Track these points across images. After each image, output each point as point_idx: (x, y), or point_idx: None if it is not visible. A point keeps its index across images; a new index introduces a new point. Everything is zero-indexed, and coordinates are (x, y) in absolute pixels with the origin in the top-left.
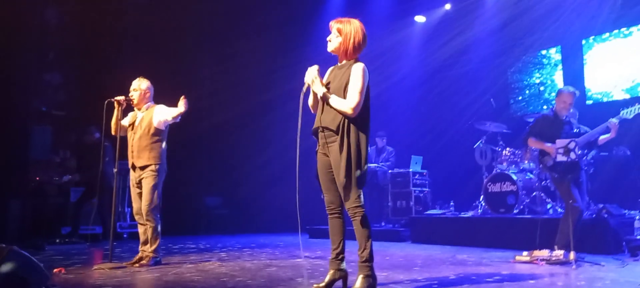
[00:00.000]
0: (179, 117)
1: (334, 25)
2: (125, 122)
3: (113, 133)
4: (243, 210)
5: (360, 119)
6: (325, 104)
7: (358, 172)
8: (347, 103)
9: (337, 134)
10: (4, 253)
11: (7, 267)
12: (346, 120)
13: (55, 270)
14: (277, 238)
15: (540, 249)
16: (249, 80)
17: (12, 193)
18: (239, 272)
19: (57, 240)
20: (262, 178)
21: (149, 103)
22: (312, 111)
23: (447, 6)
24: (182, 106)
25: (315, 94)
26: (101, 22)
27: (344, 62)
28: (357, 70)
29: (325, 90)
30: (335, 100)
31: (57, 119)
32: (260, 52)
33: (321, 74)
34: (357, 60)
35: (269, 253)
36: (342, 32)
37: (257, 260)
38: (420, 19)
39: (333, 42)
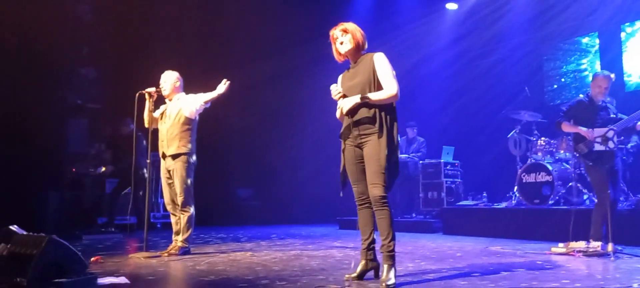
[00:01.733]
0: (210, 103)
1: (335, 31)
2: (157, 113)
3: (146, 125)
4: (274, 202)
5: (391, 107)
6: (349, 96)
7: (393, 163)
8: (389, 90)
9: (373, 125)
10: (44, 242)
11: (47, 255)
12: (382, 111)
13: (92, 258)
14: (308, 229)
15: (576, 241)
16: (281, 72)
17: (51, 185)
18: (270, 262)
19: (93, 230)
20: (293, 169)
21: (180, 93)
22: (341, 120)
23: None
24: (221, 88)
25: (340, 109)
26: (133, 16)
27: (359, 57)
28: (381, 59)
29: (358, 97)
30: (376, 95)
31: (91, 112)
32: (293, 44)
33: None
34: (371, 52)
35: (300, 243)
36: (348, 30)
37: (288, 250)
38: (451, 6)
39: (346, 43)
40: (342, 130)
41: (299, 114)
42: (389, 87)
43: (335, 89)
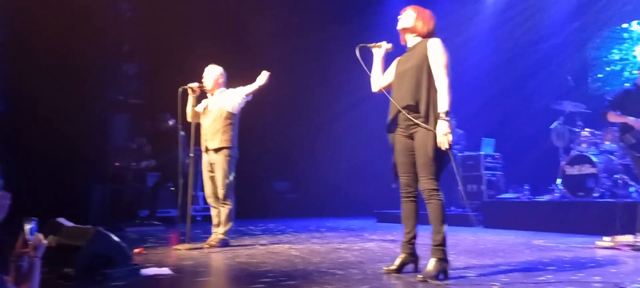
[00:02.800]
0: (251, 96)
1: (409, 8)
2: (200, 108)
3: (188, 120)
4: (311, 195)
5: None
6: (399, 84)
7: (445, 152)
8: (443, 85)
9: (420, 111)
10: (90, 234)
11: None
12: (429, 97)
13: (135, 250)
14: (346, 222)
15: (623, 234)
16: (318, 66)
17: (95, 179)
18: (308, 255)
19: (136, 222)
20: (330, 162)
21: (222, 88)
22: (375, 90)
23: None
24: (262, 79)
25: (382, 70)
26: (173, 12)
27: (415, 42)
28: (435, 46)
29: (444, 125)
30: (442, 102)
31: (133, 107)
32: (330, 37)
33: (386, 65)
34: (427, 38)
35: (337, 236)
36: (414, 12)
37: (326, 243)
38: None
39: (405, 18)
40: (389, 121)
41: (337, 106)
42: (440, 82)
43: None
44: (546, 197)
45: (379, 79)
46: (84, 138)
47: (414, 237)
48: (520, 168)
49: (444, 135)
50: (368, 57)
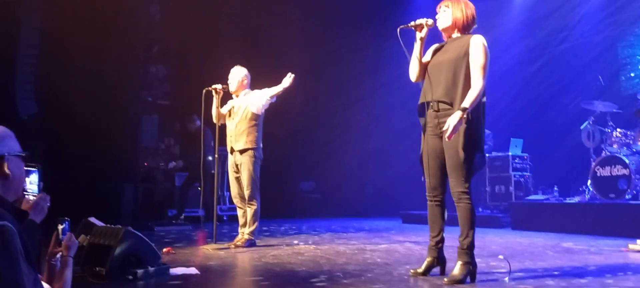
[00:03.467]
0: (276, 97)
1: (442, 3)
2: (224, 110)
3: (214, 121)
4: (336, 195)
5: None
6: (434, 74)
7: (477, 154)
8: (475, 87)
9: (453, 110)
10: (121, 233)
11: (124, 246)
12: (465, 94)
13: (164, 249)
14: (371, 223)
15: None
16: (344, 66)
17: (126, 178)
18: (334, 256)
19: (164, 222)
20: (355, 163)
21: (246, 90)
22: (414, 80)
23: None
24: (286, 81)
25: (421, 60)
26: (201, 15)
27: (457, 35)
28: (477, 44)
29: (458, 114)
30: (469, 101)
31: (161, 108)
32: (357, 39)
33: (424, 51)
34: (471, 34)
35: (363, 237)
36: (452, 7)
37: (352, 244)
38: None
39: (444, 18)
40: (419, 102)
41: (362, 106)
42: (475, 82)
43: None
44: (576, 199)
45: (419, 65)
46: (115, 138)
47: (441, 241)
48: (549, 170)
49: (452, 124)
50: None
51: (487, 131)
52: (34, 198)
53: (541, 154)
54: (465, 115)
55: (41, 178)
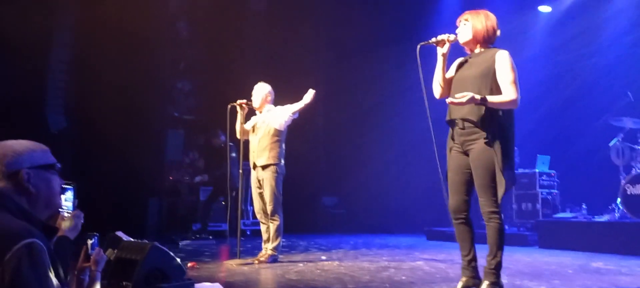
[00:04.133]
0: (297, 113)
1: (461, 17)
2: (248, 126)
3: (238, 137)
4: (359, 210)
5: (506, 111)
6: (458, 90)
7: (508, 172)
8: (508, 95)
9: (481, 128)
10: (147, 248)
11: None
12: (493, 111)
13: (189, 264)
14: (394, 239)
15: None
16: (366, 81)
17: (151, 192)
18: (358, 273)
19: (188, 236)
20: (378, 178)
21: (270, 106)
22: (438, 96)
23: None
24: (308, 97)
25: (444, 76)
26: (225, 33)
27: (479, 50)
28: (504, 58)
29: (477, 97)
30: (495, 98)
31: (186, 123)
32: (379, 53)
33: (447, 66)
34: (497, 48)
35: (386, 254)
36: (472, 20)
37: (376, 261)
38: (544, 8)
39: (465, 32)
40: (448, 118)
41: (385, 121)
42: (508, 92)
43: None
44: (605, 217)
45: (443, 82)
46: (141, 152)
47: (473, 259)
48: (577, 187)
49: (468, 97)
50: (430, 59)
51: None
52: (69, 215)
53: (569, 172)
54: (479, 100)
55: (76, 196)
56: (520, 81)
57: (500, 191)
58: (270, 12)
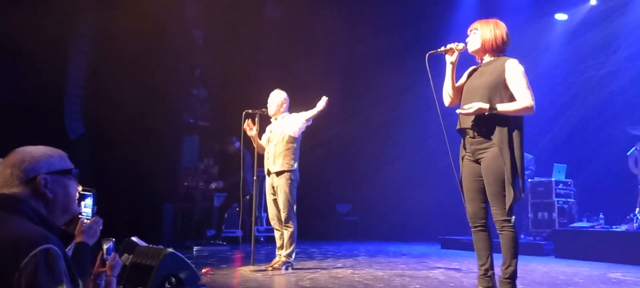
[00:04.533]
0: (311, 120)
1: (471, 26)
2: (264, 137)
3: (258, 152)
4: (373, 218)
5: (516, 120)
6: (468, 99)
7: (518, 181)
8: (524, 101)
9: (491, 138)
10: (162, 254)
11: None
12: (502, 120)
13: (203, 270)
14: (408, 247)
15: None
16: (381, 88)
17: (167, 198)
18: (371, 281)
19: (202, 242)
20: (392, 185)
21: (285, 113)
22: (447, 104)
23: (593, 1)
24: (321, 104)
25: (454, 85)
26: (241, 41)
27: (489, 59)
28: (514, 66)
29: (485, 106)
30: (505, 107)
31: (201, 129)
32: (393, 59)
33: (458, 75)
34: (507, 57)
35: (400, 262)
36: (481, 29)
37: (389, 269)
38: (561, 16)
39: (473, 40)
40: (458, 128)
41: (399, 128)
42: (523, 98)
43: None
44: (623, 227)
45: (452, 90)
46: (157, 158)
47: (490, 268)
48: (594, 196)
49: (476, 107)
50: (440, 67)
51: (529, 156)
52: (89, 221)
53: (585, 180)
54: (488, 110)
55: (96, 202)
56: (537, 89)
57: (508, 201)
58: (285, 20)
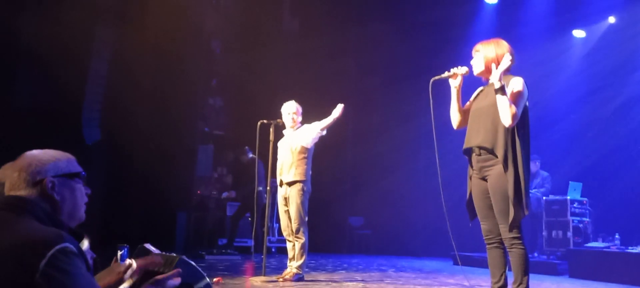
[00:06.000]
0: (326, 130)
1: (474, 48)
2: (279, 148)
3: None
4: (385, 232)
5: (522, 136)
6: (474, 119)
7: (521, 199)
8: (511, 110)
9: (496, 155)
10: (175, 261)
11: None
12: (507, 139)
13: (214, 279)
14: (420, 263)
15: None
16: (396, 103)
17: (180, 206)
18: None
19: (214, 251)
20: (406, 199)
21: (298, 124)
22: (455, 127)
23: (611, 19)
24: (337, 112)
25: (460, 107)
26: (258, 51)
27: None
28: (515, 83)
29: (498, 84)
30: (503, 99)
31: (216, 139)
32: (407, 73)
33: (467, 96)
34: (512, 75)
35: (412, 278)
36: (483, 50)
37: (400, 284)
38: (579, 33)
39: (478, 63)
40: (464, 147)
41: (412, 141)
42: (510, 106)
43: (464, 70)
44: None
45: (459, 113)
46: (173, 166)
47: (504, 286)
48: (610, 216)
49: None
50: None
51: (545, 173)
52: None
53: (601, 200)
54: (497, 86)
55: (129, 255)
56: (554, 106)
57: (510, 219)
58: (302, 32)
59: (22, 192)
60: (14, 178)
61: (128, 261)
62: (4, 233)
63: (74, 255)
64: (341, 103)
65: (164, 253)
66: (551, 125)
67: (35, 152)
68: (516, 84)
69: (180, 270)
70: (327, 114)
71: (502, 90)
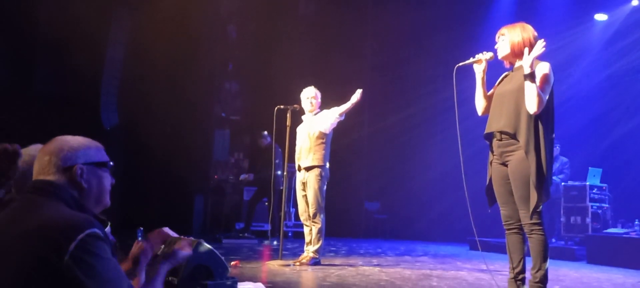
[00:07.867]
0: (344, 115)
1: (499, 32)
2: (298, 134)
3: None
4: (401, 216)
5: (545, 122)
6: (497, 104)
7: (543, 185)
8: (532, 104)
9: (518, 140)
10: (193, 245)
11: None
12: (530, 124)
13: (232, 263)
14: (436, 248)
15: None
16: (413, 88)
17: (198, 190)
18: (399, 280)
19: (232, 235)
20: (422, 184)
21: (317, 110)
22: (480, 113)
23: (635, 2)
24: (355, 97)
25: (485, 93)
26: (274, 36)
27: (519, 63)
28: (542, 68)
29: (530, 63)
30: (532, 86)
31: (233, 123)
32: (424, 58)
33: (491, 83)
34: (538, 60)
35: (428, 262)
36: (509, 34)
37: (417, 269)
38: (601, 17)
39: (503, 47)
40: (485, 132)
41: (429, 126)
42: (532, 101)
43: (489, 55)
44: None
45: (484, 99)
46: (189, 151)
47: (522, 272)
48: (629, 202)
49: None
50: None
51: (564, 159)
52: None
53: (621, 186)
54: (529, 73)
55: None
56: (575, 92)
57: (532, 205)
58: (318, 16)
59: (51, 177)
60: (44, 162)
61: (137, 243)
62: (31, 215)
63: (101, 240)
64: (359, 87)
65: (182, 237)
66: (571, 110)
67: (66, 137)
68: (543, 69)
69: (191, 239)
70: (344, 99)
71: (531, 76)
